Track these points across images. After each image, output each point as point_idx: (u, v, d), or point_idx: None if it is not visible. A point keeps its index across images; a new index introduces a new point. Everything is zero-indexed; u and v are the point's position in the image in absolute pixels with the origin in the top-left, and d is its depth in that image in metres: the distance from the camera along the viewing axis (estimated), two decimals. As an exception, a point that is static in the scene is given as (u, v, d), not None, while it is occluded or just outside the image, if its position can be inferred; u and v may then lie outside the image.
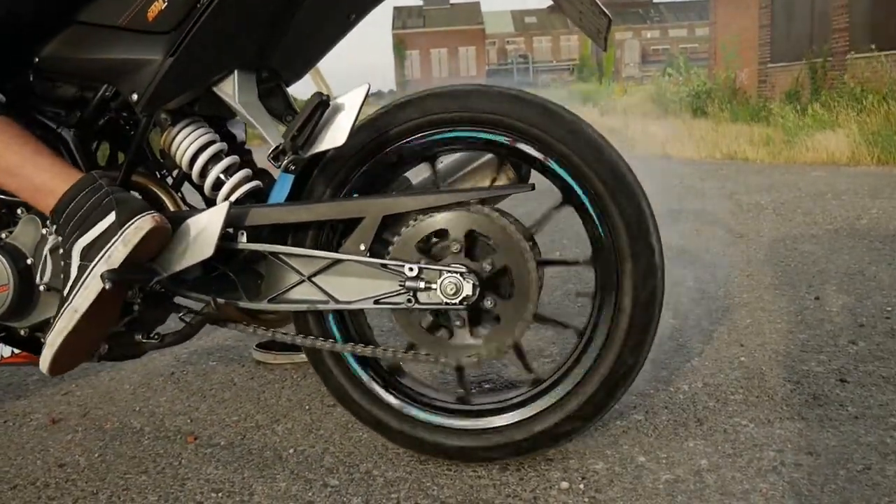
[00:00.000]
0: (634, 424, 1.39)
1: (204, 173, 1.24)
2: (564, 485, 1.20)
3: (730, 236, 3.05)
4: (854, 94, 7.94)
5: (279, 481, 1.26)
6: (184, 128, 1.24)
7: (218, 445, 1.41)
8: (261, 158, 1.33)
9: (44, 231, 1.18)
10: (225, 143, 1.27)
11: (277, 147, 1.14)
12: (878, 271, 2.41)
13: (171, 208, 1.27)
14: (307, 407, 1.57)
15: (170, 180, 1.35)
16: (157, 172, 1.33)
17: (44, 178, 1.09)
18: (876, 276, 2.36)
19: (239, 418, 1.53)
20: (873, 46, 9.05)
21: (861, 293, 2.17)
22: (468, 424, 1.25)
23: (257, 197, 1.26)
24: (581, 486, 1.19)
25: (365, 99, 1.12)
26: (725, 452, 1.27)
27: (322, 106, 1.10)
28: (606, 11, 1.14)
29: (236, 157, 1.26)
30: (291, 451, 1.37)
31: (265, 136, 1.18)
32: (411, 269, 1.15)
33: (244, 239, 1.19)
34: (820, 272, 2.44)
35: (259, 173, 1.35)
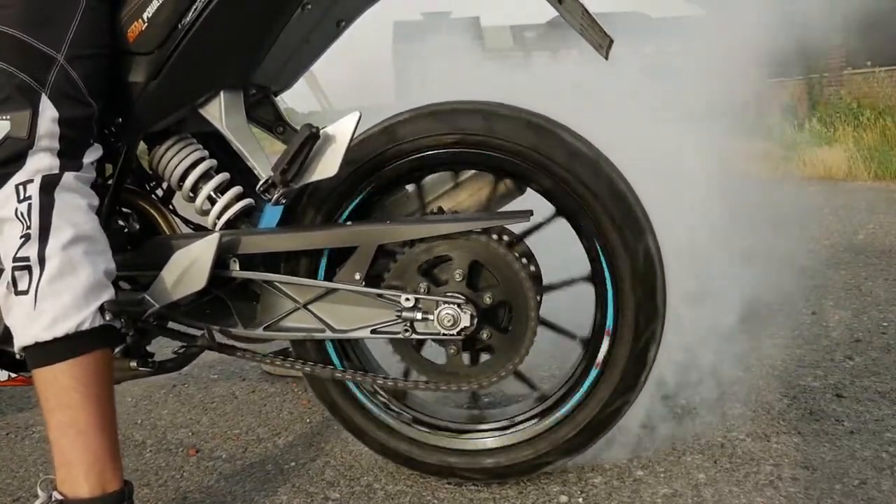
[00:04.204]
0: (633, 438, 1.40)
1: (195, 192, 1.21)
2: (563, 499, 1.21)
3: (727, 250, 3.06)
4: (851, 110, 8.01)
5: (280, 494, 1.27)
6: (171, 146, 1.21)
7: (220, 458, 1.42)
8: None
9: None
10: (214, 160, 1.24)
11: (267, 181, 1.12)
12: (875, 286, 2.43)
13: (163, 225, 1.26)
14: (308, 420, 1.58)
15: (160, 192, 1.32)
16: (146, 185, 1.30)
17: (85, 464, 1.00)
18: (872, 291, 2.38)
19: (240, 431, 1.54)
20: (869, 62, 9.13)
21: (858, 308, 2.19)
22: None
23: (250, 214, 1.23)
24: (580, 499, 1.20)
25: (356, 128, 1.10)
26: (723, 467, 1.28)
27: (312, 139, 1.08)
28: (607, 33, 1.16)
29: (227, 174, 1.23)
30: (293, 464, 1.38)
31: (253, 167, 1.16)
32: (408, 300, 1.13)
33: (237, 266, 1.17)
34: (817, 287, 2.46)
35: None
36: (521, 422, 1.25)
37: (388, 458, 1.30)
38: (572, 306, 1.30)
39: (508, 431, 1.25)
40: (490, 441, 1.25)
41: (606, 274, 1.17)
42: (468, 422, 1.30)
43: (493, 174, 1.22)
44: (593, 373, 1.20)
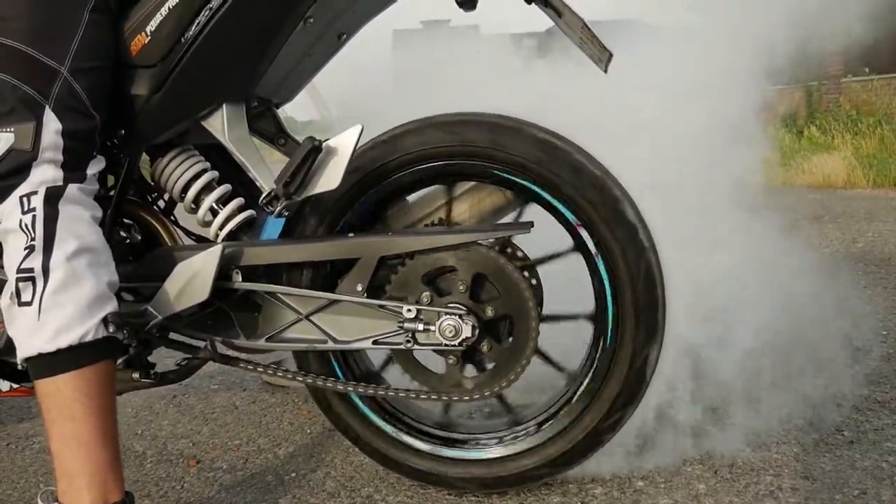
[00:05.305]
0: (633, 449, 1.40)
1: (196, 203, 1.21)
2: (564, 509, 1.21)
3: (725, 257, 3.07)
4: (850, 117, 8.03)
5: (281, 505, 1.27)
6: (173, 158, 1.21)
7: (220, 469, 1.42)
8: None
9: None
10: (216, 172, 1.24)
11: (270, 193, 1.13)
12: (874, 295, 2.43)
13: (165, 237, 1.26)
14: (308, 431, 1.58)
15: (162, 203, 1.32)
16: (148, 196, 1.30)
17: (86, 475, 1.00)
18: (871, 299, 2.38)
19: (241, 442, 1.54)
20: (867, 70, 9.16)
21: (857, 317, 2.19)
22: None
23: (252, 226, 1.23)
24: (580, 510, 1.20)
25: (358, 140, 1.11)
26: (723, 477, 1.28)
27: (315, 151, 1.10)
28: (606, 46, 1.17)
29: (228, 185, 1.24)
30: (293, 474, 1.38)
31: (256, 180, 1.17)
32: (409, 311, 1.14)
33: (239, 278, 1.17)
34: (816, 295, 2.46)
35: None
36: (521, 432, 1.26)
37: (388, 469, 1.30)
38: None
39: (508, 441, 1.25)
40: (491, 451, 1.25)
41: (606, 284, 1.17)
42: (468, 432, 1.30)
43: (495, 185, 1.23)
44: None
